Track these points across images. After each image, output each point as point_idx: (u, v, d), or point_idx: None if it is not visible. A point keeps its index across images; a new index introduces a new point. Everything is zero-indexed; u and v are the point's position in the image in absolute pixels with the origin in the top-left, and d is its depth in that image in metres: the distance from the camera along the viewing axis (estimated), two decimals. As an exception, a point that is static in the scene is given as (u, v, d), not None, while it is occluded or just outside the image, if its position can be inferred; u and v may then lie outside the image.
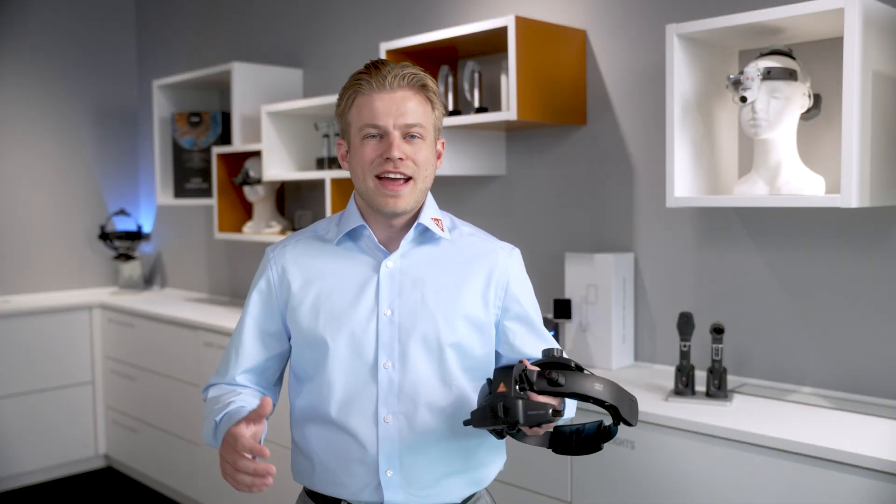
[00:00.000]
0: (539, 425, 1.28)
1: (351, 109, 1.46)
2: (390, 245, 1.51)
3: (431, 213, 1.53)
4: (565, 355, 1.33)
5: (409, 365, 1.45)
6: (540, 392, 1.27)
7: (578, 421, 1.48)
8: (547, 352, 1.34)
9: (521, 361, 1.30)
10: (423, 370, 1.46)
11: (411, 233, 1.50)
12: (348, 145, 1.49)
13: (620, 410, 1.29)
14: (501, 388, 1.26)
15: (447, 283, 1.49)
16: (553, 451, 1.43)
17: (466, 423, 1.32)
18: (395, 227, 1.51)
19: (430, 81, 1.47)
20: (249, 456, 1.27)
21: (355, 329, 1.46)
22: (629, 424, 1.32)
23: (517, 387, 1.26)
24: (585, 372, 1.30)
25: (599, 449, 1.41)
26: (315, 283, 1.50)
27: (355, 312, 1.46)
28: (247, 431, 1.28)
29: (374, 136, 1.43)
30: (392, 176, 1.43)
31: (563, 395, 1.27)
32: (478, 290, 1.50)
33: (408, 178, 1.44)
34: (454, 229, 1.56)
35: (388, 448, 1.44)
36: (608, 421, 1.38)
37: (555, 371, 1.27)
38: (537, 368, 1.30)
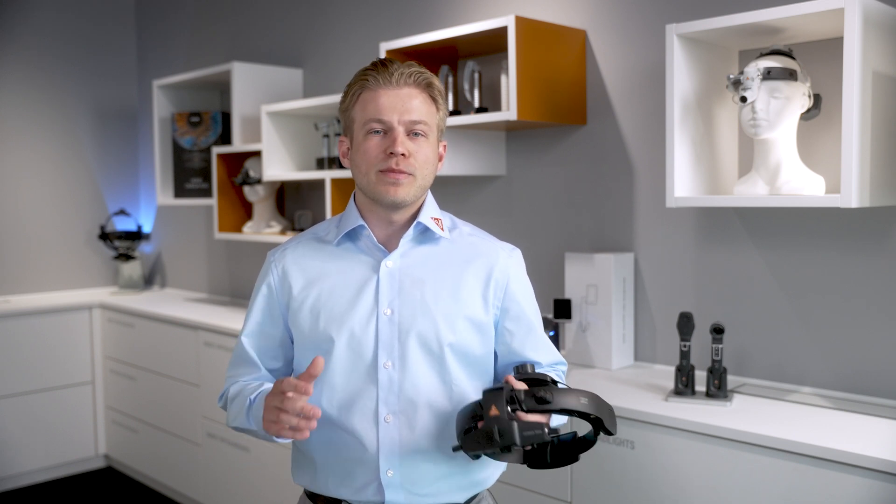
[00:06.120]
0: (533, 445, 1.28)
1: (356, 105, 1.46)
2: (390, 245, 1.51)
3: (431, 212, 1.53)
4: (538, 370, 1.33)
5: (409, 364, 1.45)
6: (529, 411, 1.27)
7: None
8: (520, 368, 1.35)
9: (506, 381, 1.30)
10: (422, 370, 1.45)
11: (411, 232, 1.50)
12: (351, 141, 1.49)
13: (604, 422, 1.31)
14: (494, 412, 1.25)
15: (447, 282, 1.49)
16: (528, 466, 1.41)
17: (456, 448, 1.32)
18: (394, 226, 1.51)
19: (435, 81, 1.48)
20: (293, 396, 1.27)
21: (355, 329, 1.46)
22: (610, 434, 1.33)
23: (509, 408, 1.26)
24: (561, 385, 1.30)
25: (576, 460, 1.41)
26: (315, 285, 1.50)
27: (355, 312, 1.46)
28: (292, 378, 1.29)
29: (377, 131, 1.44)
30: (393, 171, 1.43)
31: (551, 411, 1.28)
32: (477, 290, 1.50)
33: (408, 175, 1.44)
34: (454, 229, 1.56)
35: (388, 448, 1.44)
36: (583, 431, 1.38)
37: (542, 389, 1.27)
38: (524, 386, 1.30)
